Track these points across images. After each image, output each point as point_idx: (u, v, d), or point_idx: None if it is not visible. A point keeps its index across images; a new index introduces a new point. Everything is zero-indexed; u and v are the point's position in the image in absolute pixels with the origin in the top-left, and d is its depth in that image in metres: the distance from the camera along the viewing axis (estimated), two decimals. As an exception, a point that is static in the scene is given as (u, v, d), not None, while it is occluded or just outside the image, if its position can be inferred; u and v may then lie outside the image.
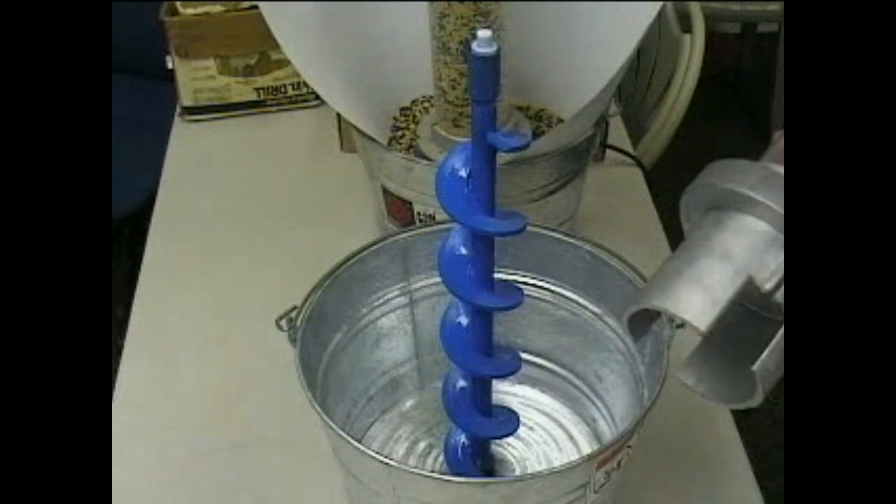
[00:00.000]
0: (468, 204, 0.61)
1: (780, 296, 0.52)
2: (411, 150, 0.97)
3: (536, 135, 0.98)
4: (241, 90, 1.27)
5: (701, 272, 0.52)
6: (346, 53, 0.96)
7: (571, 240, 0.77)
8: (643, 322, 0.57)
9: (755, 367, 0.51)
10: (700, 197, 0.55)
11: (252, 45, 1.23)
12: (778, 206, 0.51)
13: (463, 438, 0.74)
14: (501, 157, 0.60)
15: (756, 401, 0.53)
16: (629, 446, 0.67)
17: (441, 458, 0.79)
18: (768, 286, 0.51)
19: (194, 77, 1.25)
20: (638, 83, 1.57)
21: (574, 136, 0.90)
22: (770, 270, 0.51)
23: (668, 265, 0.54)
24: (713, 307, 0.50)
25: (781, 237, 0.52)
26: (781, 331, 0.51)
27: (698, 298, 0.51)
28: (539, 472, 0.65)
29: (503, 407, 0.75)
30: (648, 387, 0.71)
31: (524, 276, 0.80)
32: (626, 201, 1.13)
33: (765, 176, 0.52)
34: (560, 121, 1.01)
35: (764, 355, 0.51)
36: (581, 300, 0.79)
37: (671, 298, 0.51)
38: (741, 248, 0.52)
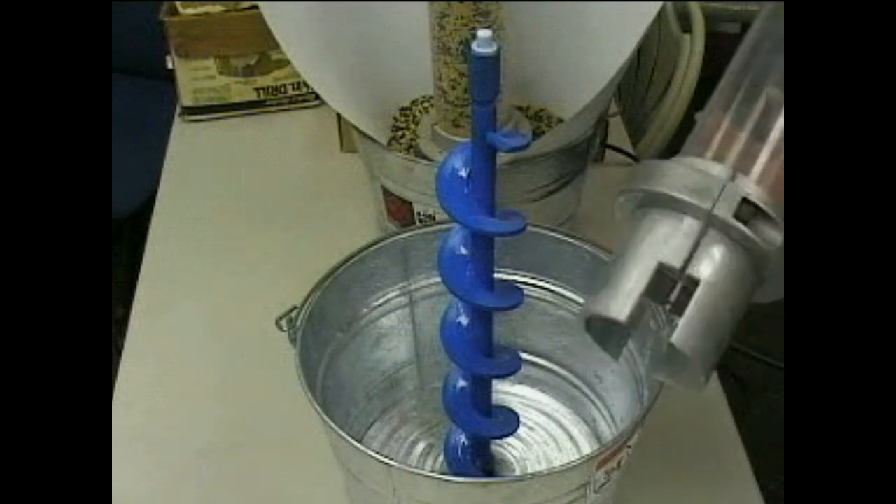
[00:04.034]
0: (468, 204, 0.61)
1: (695, 271, 0.54)
2: (411, 150, 0.97)
3: (536, 135, 0.98)
4: (241, 90, 1.27)
5: (619, 273, 0.56)
6: (346, 53, 0.96)
7: (571, 240, 0.77)
8: (608, 332, 0.60)
9: (673, 338, 0.53)
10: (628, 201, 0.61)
11: (252, 45, 1.23)
12: (676, 193, 0.55)
13: (463, 438, 0.74)
14: (501, 157, 0.60)
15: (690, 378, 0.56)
16: (629, 446, 0.67)
17: (441, 458, 0.79)
18: (676, 264, 0.54)
19: (194, 77, 1.25)
20: (638, 83, 1.57)
21: (574, 136, 0.90)
22: (675, 251, 0.54)
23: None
24: (628, 298, 0.54)
25: (686, 218, 0.55)
26: (693, 298, 0.53)
27: (612, 294, 0.55)
28: (539, 472, 0.65)
29: (503, 407, 0.74)
30: (648, 387, 0.71)
31: (524, 276, 0.80)
32: (626, 201, 1.12)
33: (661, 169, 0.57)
34: (560, 121, 1.01)
35: (680, 325, 0.53)
36: (581, 300, 0.79)
37: (596, 303, 0.55)
38: (649, 241, 0.56)
